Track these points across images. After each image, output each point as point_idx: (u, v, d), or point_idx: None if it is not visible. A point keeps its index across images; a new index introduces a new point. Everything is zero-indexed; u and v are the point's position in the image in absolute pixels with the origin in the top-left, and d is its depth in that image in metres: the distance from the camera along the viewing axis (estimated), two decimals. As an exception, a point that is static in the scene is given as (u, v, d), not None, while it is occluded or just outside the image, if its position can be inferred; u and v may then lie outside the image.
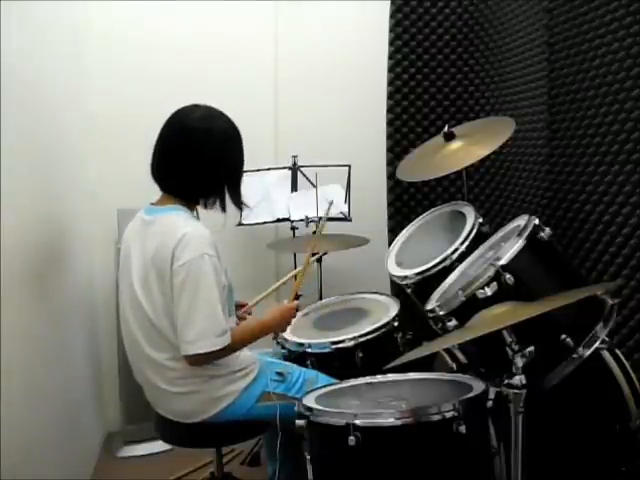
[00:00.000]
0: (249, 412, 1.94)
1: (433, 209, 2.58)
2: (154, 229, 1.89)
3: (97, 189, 3.10)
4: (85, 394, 2.87)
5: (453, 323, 1.81)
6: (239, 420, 1.94)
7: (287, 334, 2.30)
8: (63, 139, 2.70)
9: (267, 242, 3.16)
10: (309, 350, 2.20)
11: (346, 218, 3.18)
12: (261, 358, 2.05)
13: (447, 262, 2.19)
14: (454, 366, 2.20)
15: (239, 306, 2.18)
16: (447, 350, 2.21)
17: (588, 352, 1.71)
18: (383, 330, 2.22)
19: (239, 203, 1.99)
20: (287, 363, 2.11)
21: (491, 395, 1.60)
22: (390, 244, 2.59)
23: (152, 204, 1.96)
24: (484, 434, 1.61)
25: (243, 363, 1.96)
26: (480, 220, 2.30)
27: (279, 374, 2.01)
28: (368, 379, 1.86)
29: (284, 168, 3.23)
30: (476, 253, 2.14)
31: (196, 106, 1.93)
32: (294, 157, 3.22)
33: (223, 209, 1.97)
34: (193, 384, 1.88)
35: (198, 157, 1.88)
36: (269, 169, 3.19)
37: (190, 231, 1.83)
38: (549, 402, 1.78)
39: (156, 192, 1.98)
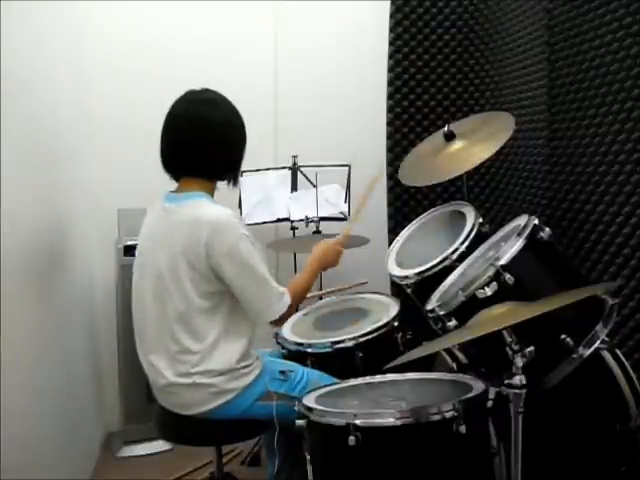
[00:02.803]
0: (249, 410, 1.93)
1: (433, 209, 2.58)
2: (180, 218, 1.89)
3: (97, 189, 3.10)
4: (85, 394, 2.87)
5: (453, 323, 1.81)
6: (239, 418, 1.93)
7: (287, 334, 2.30)
8: (63, 140, 2.70)
9: (267, 242, 3.16)
10: (309, 350, 2.19)
11: (346, 218, 3.18)
12: (263, 357, 2.04)
13: (447, 262, 2.19)
14: (454, 366, 2.20)
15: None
16: (447, 350, 2.21)
17: (588, 352, 1.71)
18: (383, 330, 2.21)
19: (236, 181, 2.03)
20: (291, 363, 2.10)
21: (491, 395, 1.59)
22: (390, 244, 2.59)
23: (172, 192, 1.96)
24: (484, 434, 1.61)
25: (247, 360, 1.95)
26: (480, 220, 2.30)
27: (282, 373, 2.00)
28: (368, 379, 1.86)
29: (284, 168, 3.22)
30: (476, 253, 2.14)
31: (190, 92, 1.95)
32: (294, 157, 3.22)
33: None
34: (200, 376, 1.87)
35: (194, 142, 1.90)
36: (269, 169, 3.19)
37: (217, 216, 1.85)
38: (549, 402, 1.78)
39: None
